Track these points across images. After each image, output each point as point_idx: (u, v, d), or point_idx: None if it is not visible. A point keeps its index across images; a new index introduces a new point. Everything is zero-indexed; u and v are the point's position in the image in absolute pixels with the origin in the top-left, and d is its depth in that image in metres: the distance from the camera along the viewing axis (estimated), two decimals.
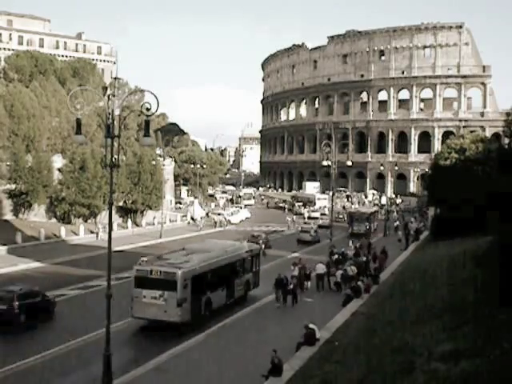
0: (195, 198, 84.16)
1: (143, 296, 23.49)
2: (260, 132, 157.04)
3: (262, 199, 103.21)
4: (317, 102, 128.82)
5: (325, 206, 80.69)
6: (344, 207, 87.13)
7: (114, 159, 16.94)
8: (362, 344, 17.50)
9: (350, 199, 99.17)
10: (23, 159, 51.30)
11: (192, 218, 68.68)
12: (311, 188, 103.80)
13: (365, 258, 36.60)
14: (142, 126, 19.50)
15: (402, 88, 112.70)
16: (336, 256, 36.90)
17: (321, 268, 31.66)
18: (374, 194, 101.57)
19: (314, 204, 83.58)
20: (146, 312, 23.43)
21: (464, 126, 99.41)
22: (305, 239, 52.38)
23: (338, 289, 30.68)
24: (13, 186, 50.88)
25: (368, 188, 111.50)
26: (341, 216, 69.67)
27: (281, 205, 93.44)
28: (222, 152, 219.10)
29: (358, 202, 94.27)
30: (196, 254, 26.65)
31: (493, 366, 11.05)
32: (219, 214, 69.58)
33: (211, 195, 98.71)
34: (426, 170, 65.13)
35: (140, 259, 25.72)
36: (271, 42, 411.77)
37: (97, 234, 51.60)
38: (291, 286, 28.07)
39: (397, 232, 55.45)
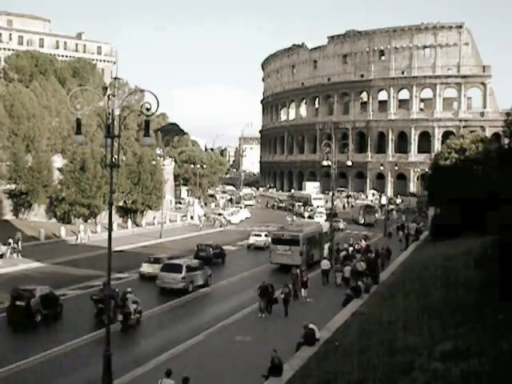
0: (197, 198, 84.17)
1: (277, 249, 38.00)
2: (260, 132, 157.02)
3: (254, 197, 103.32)
4: (317, 101, 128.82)
5: (321, 206, 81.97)
6: (344, 207, 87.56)
7: (113, 159, 16.94)
8: (362, 344, 17.48)
9: (349, 199, 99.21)
10: (23, 159, 51.33)
11: (195, 217, 68.80)
12: (311, 188, 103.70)
13: (373, 255, 37.65)
14: (142, 126, 19.50)
15: (402, 88, 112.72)
16: (344, 252, 39.23)
17: (326, 264, 33.98)
18: (374, 194, 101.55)
19: (310, 204, 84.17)
20: (279, 259, 38.09)
21: (464, 126, 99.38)
22: (339, 227, 60.31)
23: (347, 284, 31.12)
24: (13, 186, 50.92)
25: (368, 188, 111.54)
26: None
27: (280, 205, 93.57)
28: (222, 152, 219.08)
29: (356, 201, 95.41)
30: (304, 227, 41.76)
31: (493, 366, 11.06)
32: (219, 214, 69.63)
33: (211, 195, 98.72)
34: (426, 169, 65.11)
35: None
36: (271, 42, 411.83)
37: (76, 236, 49.08)
38: (282, 295, 26.13)
39: (398, 232, 55.60)
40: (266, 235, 49.08)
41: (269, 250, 40.18)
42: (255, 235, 50.08)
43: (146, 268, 34.59)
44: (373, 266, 33.53)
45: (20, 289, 24.95)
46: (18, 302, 24.15)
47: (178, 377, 14.66)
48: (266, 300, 25.93)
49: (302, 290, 29.36)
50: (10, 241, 40.17)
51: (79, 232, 49.47)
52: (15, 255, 39.49)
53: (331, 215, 45.65)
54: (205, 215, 71.85)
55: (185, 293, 30.48)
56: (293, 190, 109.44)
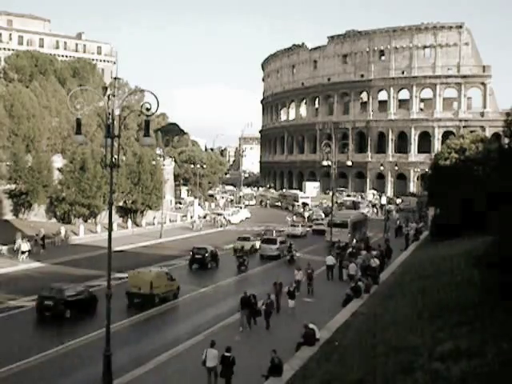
0: (197, 198, 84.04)
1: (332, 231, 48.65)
2: (260, 132, 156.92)
3: (255, 197, 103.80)
4: (317, 101, 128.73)
5: (307, 204, 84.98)
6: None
7: (114, 159, 16.95)
8: (362, 344, 17.48)
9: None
10: (23, 159, 51.27)
11: (195, 217, 68.74)
12: (311, 188, 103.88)
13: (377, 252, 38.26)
14: (142, 126, 19.50)
15: (402, 88, 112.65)
16: (350, 249, 40.92)
17: (330, 260, 36.25)
18: (374, 194, 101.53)
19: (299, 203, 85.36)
20: (333, 238, 46.99)
21: (464, 126, 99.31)
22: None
23: (351, 280, 31.48)
24: (13, 186, 50.84)
25: (368, 188, 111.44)
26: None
27: (277, 204, 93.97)
28: (222, 152, 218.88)
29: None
30: (350, 214, 53.70)
31: (492, 366, 11.05)
32: (219, 214, 69.61)
33: (211, 195, 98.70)
34: (426, 170, 65.07)
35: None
36: (271, 42, 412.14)
37: (56, 237, 47.30)
38: (263, 307, 24.49)
39: (400, 232, 55.66)
40: (302, 225, 61.28)
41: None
42: (292, 225, 61.36)
43: (238, 244, 44.78)
44: (381, 264, 34.64)
45: (197, 247, 39.95)
46: (197, 256, 38.49)
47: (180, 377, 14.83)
48: (249, 312, 24.27)
49: (289, 300, 26.84)
50: (36, 237, 41.87)
51: (59, 234, 47.71)
52: (40, 251, 41.17)
53: (331, 213, 46.40)
54: (205, 216, 71.83)
55: (277, 258, 43.16)
56: (284, 190, 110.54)
